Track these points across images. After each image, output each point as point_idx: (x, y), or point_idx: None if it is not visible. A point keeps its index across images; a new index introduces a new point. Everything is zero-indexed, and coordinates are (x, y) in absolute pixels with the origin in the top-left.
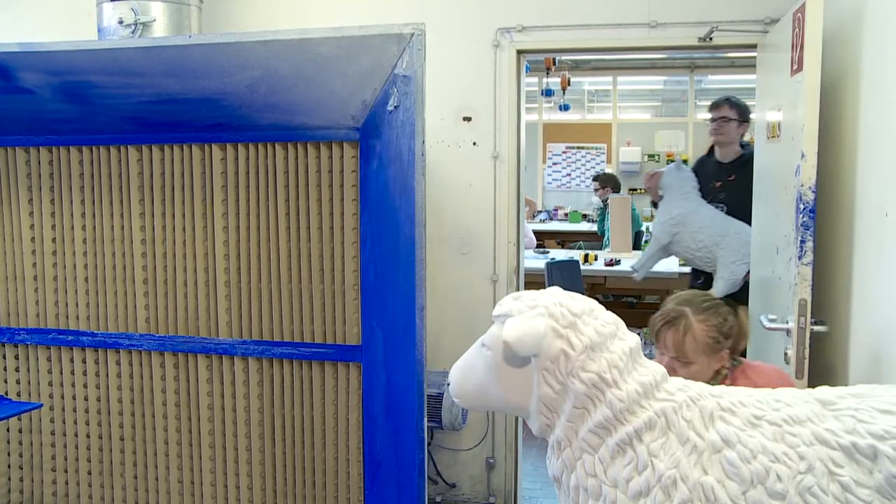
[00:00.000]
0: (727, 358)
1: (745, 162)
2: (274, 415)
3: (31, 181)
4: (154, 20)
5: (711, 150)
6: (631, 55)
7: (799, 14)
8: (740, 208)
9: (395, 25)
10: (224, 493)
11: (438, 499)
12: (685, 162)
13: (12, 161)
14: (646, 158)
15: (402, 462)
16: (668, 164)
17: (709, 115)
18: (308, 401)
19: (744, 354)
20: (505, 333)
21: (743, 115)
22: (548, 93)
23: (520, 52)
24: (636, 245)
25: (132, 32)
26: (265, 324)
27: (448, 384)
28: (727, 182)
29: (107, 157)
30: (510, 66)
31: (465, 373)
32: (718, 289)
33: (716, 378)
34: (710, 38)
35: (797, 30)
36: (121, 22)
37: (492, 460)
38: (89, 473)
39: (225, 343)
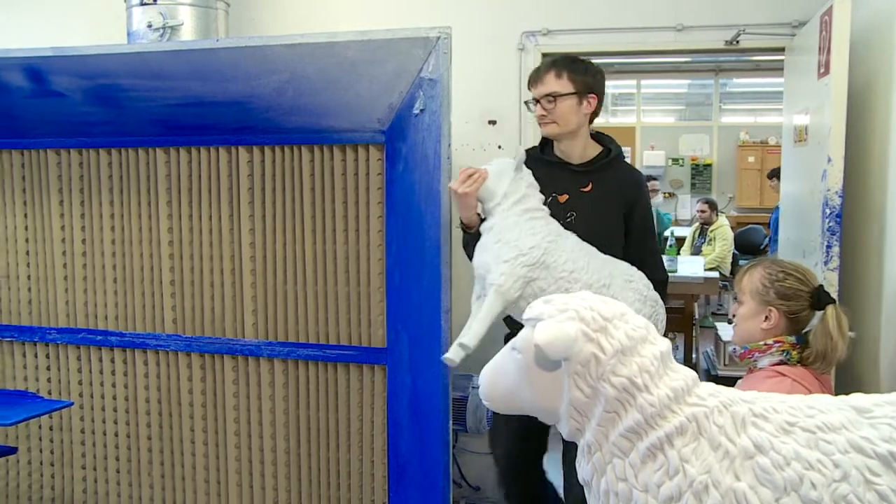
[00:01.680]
0: (776, 321)
1: (607, 164)
2: (299, 416)
3: (62, 183)
4: (182, 24)
5: (545, 143)
6: (655, 59)
7: (826, 17)
8: (597, 236)
9: (421, 29)
10: (249, 493)
11: (463, 502)
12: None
13: (44, 163)
14: (670, 162)
15: (426, 465)
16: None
17: (531, 95)
18: (333, 403)
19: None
20: (536, 337)
21: (584, 83)
22: None
23: (545, 56)
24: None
25: (161, 36)
26: (291, 325)
27: (475, 387)
28: (579, 195)
29: (135, 159)
30: None
31: (495, 376)
32: None
33: (766, 352)
34: (737, 42)
35: (824, 32)
36: (150, 26)
37: None
38: (118, 472)
39: (251, 344)
